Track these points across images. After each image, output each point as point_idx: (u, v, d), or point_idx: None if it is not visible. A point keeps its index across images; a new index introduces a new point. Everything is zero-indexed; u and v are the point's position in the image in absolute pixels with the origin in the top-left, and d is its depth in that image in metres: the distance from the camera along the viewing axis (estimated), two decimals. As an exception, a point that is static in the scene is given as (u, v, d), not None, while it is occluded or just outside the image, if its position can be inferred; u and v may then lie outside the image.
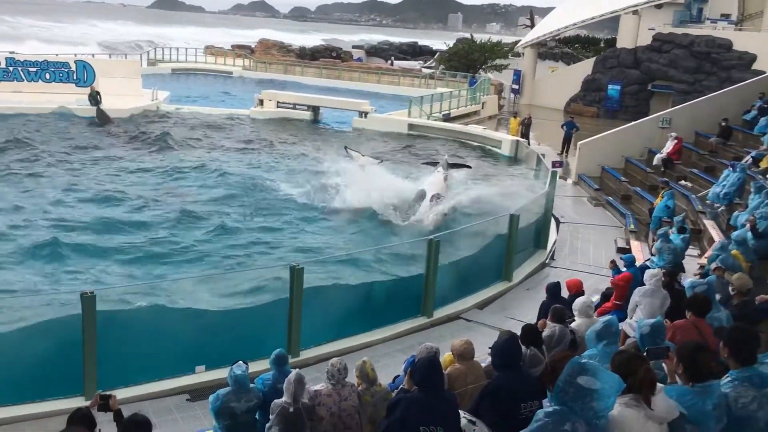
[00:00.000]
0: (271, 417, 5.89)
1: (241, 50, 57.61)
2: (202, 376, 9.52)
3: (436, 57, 62.31)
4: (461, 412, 5.23)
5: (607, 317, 6.08)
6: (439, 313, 12.25)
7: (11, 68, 31.00)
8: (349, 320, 11.26)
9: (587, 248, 16.51)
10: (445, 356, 6.59)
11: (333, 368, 6.18)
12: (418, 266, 12.35)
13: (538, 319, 9.05)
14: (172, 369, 9.47)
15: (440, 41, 76.75)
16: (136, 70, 34.95)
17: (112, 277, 12.87)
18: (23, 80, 31.08)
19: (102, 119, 27.77)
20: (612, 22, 49.31)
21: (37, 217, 15.89)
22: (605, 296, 11.23)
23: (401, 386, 6.13)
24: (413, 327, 11.77)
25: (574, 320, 7.90)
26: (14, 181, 18.79)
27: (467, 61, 50.56)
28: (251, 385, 6.56)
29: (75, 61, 32.62)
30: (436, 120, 32.66)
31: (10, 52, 34.63)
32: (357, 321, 11.33)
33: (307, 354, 10.32)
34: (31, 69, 31.38)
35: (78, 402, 8.07)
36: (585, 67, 43.58)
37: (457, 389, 6.04)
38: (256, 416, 6.56)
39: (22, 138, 23.48)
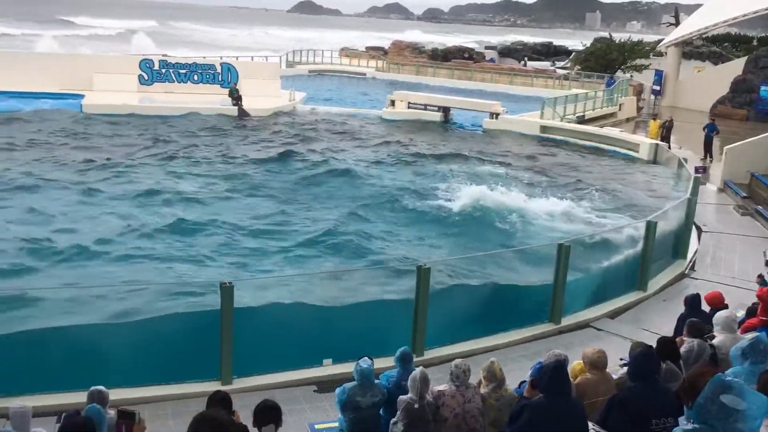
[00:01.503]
0: (397, 413, 5.95)
1: (374, 52, 58.68)
2: (328, 369, 9.76)
3: (571, 57, 60.63)
4: (590, 424, 5.05)
5: (755, 334, 5.66)
6: (568, 320, 11.88)
7: (164, 70, 33.27)
8: (474, 322, 11.17)
9: (732, 260, 15.45)
10: (574, 364, 6.39)
11: (458, 369, 6.15)
12: (546, 270, 12.06)
13: (675, 332, 8.57)
14: (301, 360, 9.78)
15: (576, 41, 74.58)
16: (275, 72, 36.50)
17: (249, 269, 13.47)
18: (174, 81, 33.27)
19: (242, 115, 29.41)
20: (765, 19, 45.94)
21: (179, 209, 16.92)
22: (751, 312, 10.45)
23: (523, 393, 6.00)
24: (540, 333, 11.49)
25: (713, 335, 7.42)
26: (172, 173, 20.10)
27: (605, 61, 48.84)
28: (376, 381, 6.65)
29: (220, 64, 34.53)
30: (570, 122, 31.75)
31: (163, 55, 37.14)
32: (482, 323, 11.21)
33: (431, 354, 10.33)
34: (181, 71, 33.53)
35: (214, 386, 8.52)
36: (735, 67, 40.89)
37: (586, 399, 5.83)
38: (380, 412, 6.65)
39: (170, 135, 25.17)
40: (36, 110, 27.37)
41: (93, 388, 5.72)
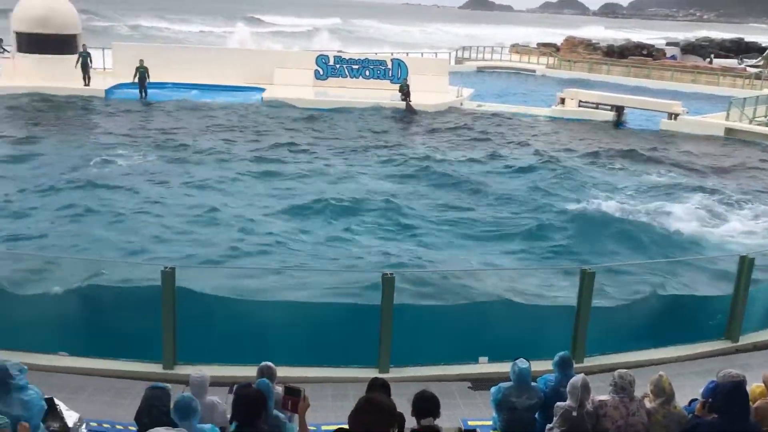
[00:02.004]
0: (554, 419, 5.80)
1: (546, 48, 57.28)
2: (484, 366, 9.71)
3: (765, 54, 55.65)
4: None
5: None
6: (747, 339, 10.96)
7: (338, 66, 34.58)
8: (640, 332, 10.62)
9: None
10: (753, 387, 5.88)
11: (622, 380, 5.86)
12: (722, 284, 11.21)
13: None
14: (457, 356, 9.81)
15: (772, 37, 68.28)
16: (444, 68, 36.73)
17: (411, 260, 13.71)
18: (347, 77, 34.48)
19: (409, 112, 29.88)
20: None
21: (339, 194, 17.59)
22: None
23: (693, 412, 5.62)
24: (713, 350, 10.69)
25: None
26: (346, 165, 20.92)
27: (805, 59, 44.39)
28: (533, 384, 6.52)
29: (391, 60, 35.31)
30: (760, 125, 29.19)
31: (338, 51, 38.61)
32: (648, 334, 10.64)
33: (591, 361, 9.96)
34: (354, 66, 34.69)
35: (372, 372, 8.77)
36: None
37: (766, 426, 5.36)
38: (536, 416, 6.51)
39: (341, 128, 26.15)
40: (223, 101, 29.53)
41: (263, 363, 6.08)
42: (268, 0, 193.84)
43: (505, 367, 6.88)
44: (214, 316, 9.94)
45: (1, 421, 4.30)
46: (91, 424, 6.37)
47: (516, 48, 58.76)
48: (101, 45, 34.59)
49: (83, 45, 30.12)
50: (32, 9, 30.09)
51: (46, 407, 5.29)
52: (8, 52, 30.09)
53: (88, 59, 29.61)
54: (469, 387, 9.37)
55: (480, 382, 9.31)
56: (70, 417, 5.93)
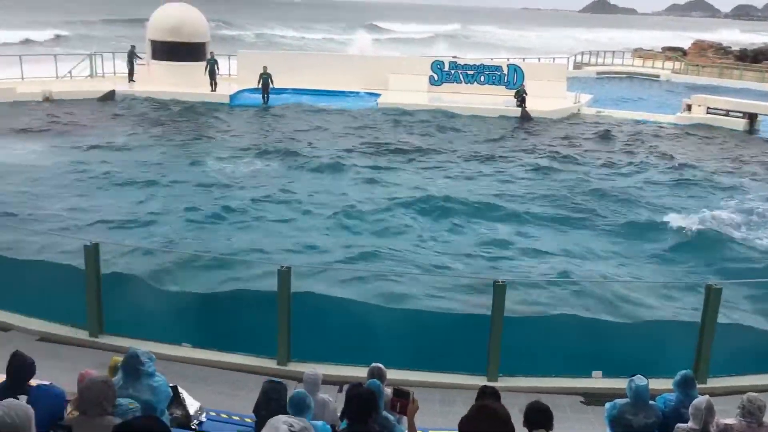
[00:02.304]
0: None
1: (671, 53, 54.83)
2: (598, 381, 9.40)
3: None
4: None
5: None
6: None
7: (453, 71, 34.55)
8: (771, 355, 9.95)
9: None
10: None
11: (751, 404, 5.50)
12: None
13: None
14: (569, 368, 9.55)
15: None
16: (561, 74, 35.91)
17: (521, 269, 13.49)
18: (462, 82, 34.38)
19: (524, 118, 29.39)
20: None
21: (452, 199, 17.56)
22: None
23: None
24: None
25: None
26: (457, 172, 20.90)
27: None
28: (651, 402, 6.25)
29: (507, 65, 34.90)
30: None
31: (453, 57, 38.55)
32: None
33: (715, 383, 9.42)
34: (469, 72, 34.54)
35: (481, 380, 8.70)
36: None
37: None
38: (653, 436, 6.23)
39: (453, 133, 26.11)
40: (340, 106, 30.23)
41: (374, 364, 6.17)
42: (391, 8, 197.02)
43: (620, 383, 6.64)
44: (326, 317, 10.18)
45: (132, 406, 4.58)
46: (210, 413, 6.66)
47: (639, 52, 56.59)
48: (228, 52, 36.28)
49: (211, 52, 31.67)
50: (166, 19, 31.99)
51: (171, 394, 5.59)
52: (141, 59, 32.12)
53: (215, 66, 31.10)
54: (581, 401, 9.10)
55: (593, 397, 9.03)
56: (192, 405, 6.24)
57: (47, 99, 28.12)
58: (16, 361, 5.48)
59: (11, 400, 2.90)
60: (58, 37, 66.71)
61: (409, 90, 32.88)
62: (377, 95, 31.95)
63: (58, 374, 6.97)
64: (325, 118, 28.12)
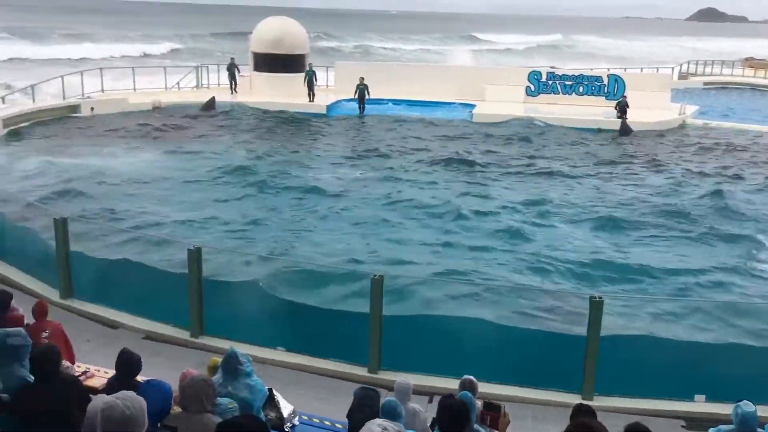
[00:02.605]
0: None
1: (787, 62, 51.94)
2: (700, 405, 8.99)
3: None
4: None
5: None
6: None
7: (550, 82, 33.97)
8: None
9: None
10: None
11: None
12: None
13: None
14: (669, 390, 9.17)
15: None
16: (665, 84, 34.64)
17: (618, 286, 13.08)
18: (559, 93, 33.74)
19: (624, 131, 28.46)
20: None
21: (547, 213, 17.26)
22: None
23: None
24: None
25: None
26: (549, 185, 20.56)
27: None
28: (759, 430, 5.90)
29: (607, 75, 34.00)
30: None
31: (551, 67, 37.93)
32: None
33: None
34: (567, 82, 33.86)
35: (575, 398, 8.49)
36: None
37: None
38: (761, 466, 5.88)
39: (548, 145, 25.65)
40: (435, 117, 30.31)
41: (465, 377, 6.14)
42: (491, 19, 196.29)
43: (725, 409, 6.34)
44: (418, 326, 10.20)
45: (231, 405, 4.74)
46: (303, 416, 6.80)
47: (750, 62, 53.85)
48: (326, 64, 37.13)
49: (309, 64, 32.49)
50: (268, 32, 33.09)
51: (267, 394, 5.75)
52: (240, 72, 33.29)
53: (314, 77, 31.89)
54: (682, 426, 8.76)
55: (695, 422, 8.66)
56: (286, 408, 6.39)
57: (156, 108, 29.62)
58: (125, 358, 5.80)
59: (127, 392, 3.07)
60: (173, 51, 70.56)
61: (505, 101, 32.58)
62: (472, 106, 31.82)
63: (160, 371, 7.30)
64: (419, 129, 28.26)
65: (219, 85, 34.67)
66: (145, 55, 64.29)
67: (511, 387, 9.32)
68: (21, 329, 4.91)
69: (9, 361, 4.64)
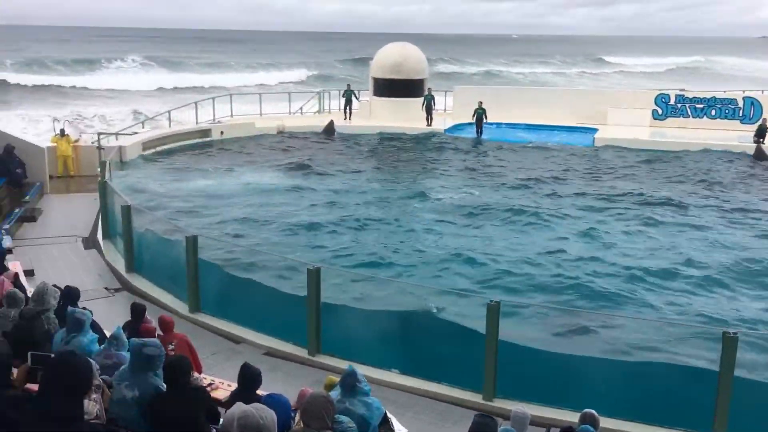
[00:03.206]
0: None
1: None
2: None
3: None
4: None
5: None
6: None
7: (679, 105, 32.54)
8: None
9: None
10: None
11: None
12: None
13: None
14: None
15: None
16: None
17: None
18: (689, 116, 32.25)
19: (759, 156, 26.70)
20: None
21: (674, 246, 16.40)
22: None
23: None
24: None
25: None
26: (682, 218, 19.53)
27: None
28: None
29: (743, 98, 32.18)
30: None
31: (681, 90, 36.36)
32: None
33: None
34: (698, 105, 32.33)
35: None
36: None
37: None
38: None
39: (680, 173, 24.47)
40: (554, 142, 29.70)
41: (587, 410, 5.94)
42: (622, 42, 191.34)
43: None
44: (537, 354, 9.99)
45: (350, 425, 4.82)
46: (416, 441, 6.81)
47: None
48: (446, 88, 37.37)
49: (429, 88, 32.82)
50: (388, 57, 33.80)
51: (384, 413, 5.81)
52: (357, 98, 33.95)
53: (432, 101, 32.17)
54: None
55: None
56: (400, 431, 6.42)
57: (280, 132, 30.82)
58: (247, 371, 6.05)
59: (258, 404, 3.22)
60: (308, 77, 74.68)
61: (630, 125, 31.50)
62: (594, 130, 30.97)
63: (279, 386, 7.56)
64: (538, 154, 27.79)
65: (339, 110, 35.66)
66: (280, 83, 67.94)
67: (636, 424, 8.92)
68: (156, 340, 5.22)
69: (144, 369, 4.95)
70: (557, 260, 15.31)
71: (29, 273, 12.77)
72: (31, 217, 17.80)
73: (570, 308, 12.33)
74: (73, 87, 61.36)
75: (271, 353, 11.03)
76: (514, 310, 11.46)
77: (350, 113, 33.23)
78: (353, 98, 33.62)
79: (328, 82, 64.62)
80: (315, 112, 35.99)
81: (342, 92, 34.35)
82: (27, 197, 18.80)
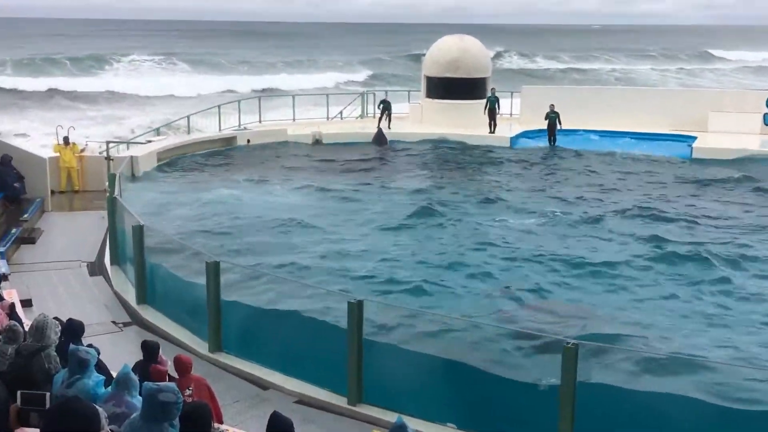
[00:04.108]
0: None
1: None
2: None
3: None
4: None
5: None
6: None
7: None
8: None
9: None
10: None
11: None
12: None
13: None
14: None
15: None
16: None
17: None
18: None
19: None
20: None
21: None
22: None
23: None
24: None
25: None
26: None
27: None
28: None
29: None
30: None
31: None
32: None
33: None
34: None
35: None
36: None
37: None
38: None
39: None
40: (643, 152, 29.22)
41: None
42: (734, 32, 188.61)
43: None
44: (616, 405, 9.84)
45: None
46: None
47: None
48: (511, 89, 37.14)
49: (492, 89, 32.60)
50: (444, 53, 33.76)
51: None
52: (389, 116, 32.88)
53: (496, 104, 31.87)
54: None
55: None
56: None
57: (316, 141, 30.94)
58: (277, 422, 6.04)
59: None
60: (369, 77, 75.76)
61: (736, 132, 30.83)
62: (692, 138, 30.38)
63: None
64: (623, 167, 27.43)
65: (374, 116, 34.90)
66: (338, 84, 69.73)
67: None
68: (173, 385, 5.26)
69: (158, 419, 4.98)
70: (645, 297, 15.03)
71: (26, 303, 13.02)
72: (29, 239, 18.21)
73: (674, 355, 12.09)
74: (74, 91, 62.93)
75: (303, 401, 11.04)
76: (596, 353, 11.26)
77: (389, 120, 32.62)
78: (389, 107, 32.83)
79: (393, 82, 65.10)
80: (357, 117, 36.09)
81: (378, 104, 33.53)
82: (25, 215, 19.22)
